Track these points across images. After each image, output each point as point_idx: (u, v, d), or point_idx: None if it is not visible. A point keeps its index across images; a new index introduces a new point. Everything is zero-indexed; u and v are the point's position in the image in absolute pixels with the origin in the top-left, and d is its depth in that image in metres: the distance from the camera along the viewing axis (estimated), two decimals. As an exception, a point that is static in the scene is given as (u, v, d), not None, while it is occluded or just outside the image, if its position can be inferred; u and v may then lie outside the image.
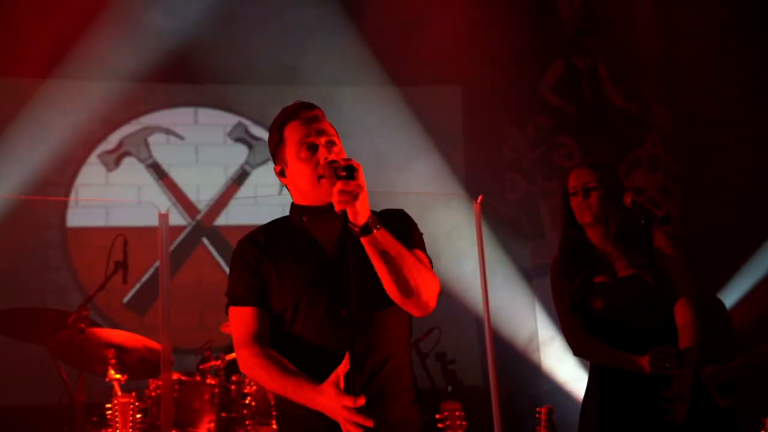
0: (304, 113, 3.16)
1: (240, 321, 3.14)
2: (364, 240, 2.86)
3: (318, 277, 3.07)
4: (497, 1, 8.98)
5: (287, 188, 3.25)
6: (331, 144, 3.11)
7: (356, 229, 2.83)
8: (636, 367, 4.07)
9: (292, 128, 3.15)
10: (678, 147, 9.07)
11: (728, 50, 8.50)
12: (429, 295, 2.99)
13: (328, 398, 2.83)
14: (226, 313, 3.21)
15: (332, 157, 3.04)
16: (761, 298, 7.88)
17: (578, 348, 4.31)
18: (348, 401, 2.77)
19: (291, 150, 3.14)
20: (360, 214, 2.82)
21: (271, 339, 3.10)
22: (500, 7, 8.95)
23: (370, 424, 2.77)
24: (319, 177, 3.04)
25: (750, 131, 8.31)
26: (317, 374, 2.93)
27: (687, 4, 8.68)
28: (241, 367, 3.11)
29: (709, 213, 8.36)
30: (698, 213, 8.54)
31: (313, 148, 3.09)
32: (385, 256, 2.89)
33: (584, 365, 7.53)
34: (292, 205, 3.24)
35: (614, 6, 9.21)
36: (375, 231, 2.85)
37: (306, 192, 3.15)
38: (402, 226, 3.14)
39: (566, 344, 4.43)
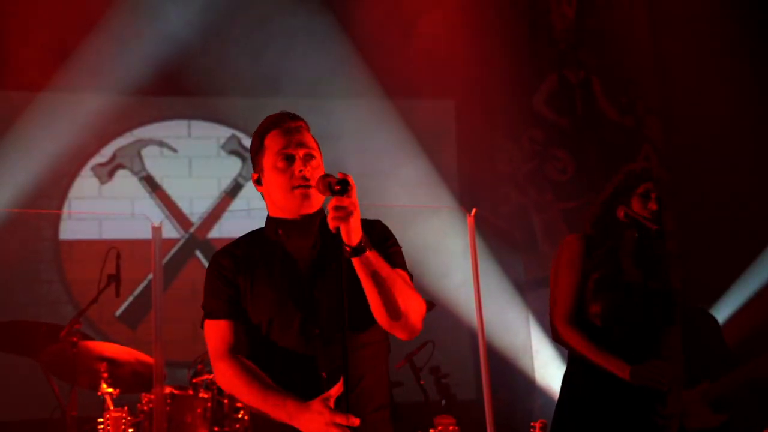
0: (287, 123, 3.14)
1: (216, 334, 3.11)
2: (355, 260, 2.83)
3: (291, 296, 3.04)
4: (491, 13, 8.98)
5: (263, 197, 3.23)
6: (309, 157, 3.09)
7: (348, 249, 2.79)
8: (616, 372, 4.05)
9: (273, 137, 3.13)
10: (671, 160, 9.07)
11: (723, 64, 8.50)
12: (416, 317, 2.98)
13: (313, 415, 2.80)
14: (202, 327, 3.17)
15: (308, 170, 3.04)
16: (754, 313, 7.86)
17: (561, 332, 4.26)
18: (341, 419, 2.75)
19: (269, 159, 3.11)
20: (353, 233, 2.78)
21: (249, 351, 3.08)
22: (494, 20, 8.95)
23: None
24: (293, 188, 3.03)
25: (744, 146, 8.31)
26: (290, 391, 2.93)
27: (682, 18, 8.69)
28: (218, 380, 3.09)
29: (702, 227, 8.35)
30: (691, 227, 8.53)
31: (289, 159, 3.07)
32: (376, 278, 2.86)
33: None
34: (268, 217, 3.22)
35: (608, 20, 9.25)
36: (368, 252, 2.82)
37: (279, 202, 3.12)
38: (380, 240, 3.10)
39: (550, 325, 4.39)
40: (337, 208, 2.75)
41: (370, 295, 2.89)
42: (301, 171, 3.03)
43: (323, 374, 2.95)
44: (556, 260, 4.37)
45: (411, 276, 3.13)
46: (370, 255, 2.83)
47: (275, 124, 3.15)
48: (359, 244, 2.80)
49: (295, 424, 2.86)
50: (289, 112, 3.19)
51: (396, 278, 2.90)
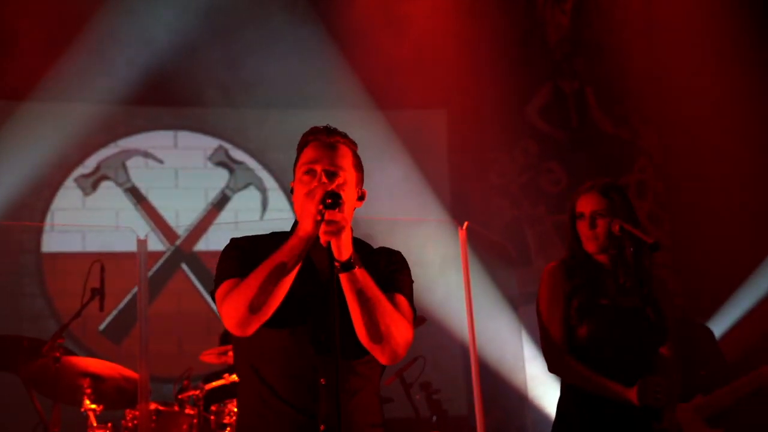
0: (323, 137, 3.09)
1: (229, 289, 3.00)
2: (343, 276, 2.85)
3: (308, 300, 2.99)
4: (484, 23, 8.98)
5: (293, 207, 3.17)
6: (331, 174, 3.02)
7: (337, 264, 2.82)
8: (620, 397, 3.99)
9: (308, 149, 3.10)
10: (667, 173, 9.04)
11: (720, 74, 8.47)
12: (397, 344, 2.95)
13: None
14: (213, 298, 3.05)
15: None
16: (752, 326, 7.82)
17: (556, 364, 4.17)
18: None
19: (300, 169, 3.09)
20: (344, 248, 2.82)
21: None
22: (487, 29, 8.94)
23: None
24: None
25: (742, 158, 8.27)
26: (287, 393, 2.94)
27: (678, 28, 8.67)
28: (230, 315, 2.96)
29: (698, 240, 8.30)
30: (687, 240, 8.48)
31: (312, 174, 3.04)
32: (361, 296, 2.87)
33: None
34: (296, 222, 3.13)
35: (603, 30, 9.24)
36: (356, 269, 2.84)
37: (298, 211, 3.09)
38: (393, 268, 3.13)
39: (543, 358, 4.29)
40: (329, 222, 2.78)
41: (353, 312, 2.89)
42: (316, 186, 2.94)
43: (322, 380, 2.93)
44: (539, 292, 4.28)
45: (415, 312, 3.12)
46: (358, 273, 2.86)
47: (314, 135, 3.11)
48: (348, 260, 2.83)
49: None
50: (329, 127, 3.14)
51: (382, 300, 2.90)
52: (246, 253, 3.07)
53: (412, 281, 3.18)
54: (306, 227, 2.84)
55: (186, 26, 8.45)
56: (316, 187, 2.87)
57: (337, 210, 2.78)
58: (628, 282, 4.12)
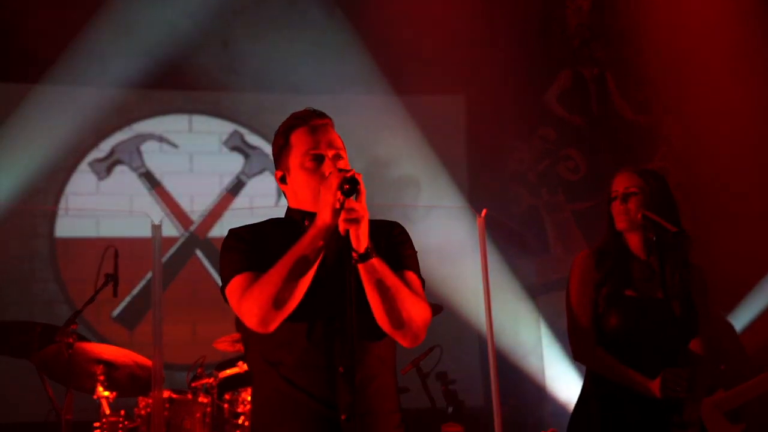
0: (314, 121, 3.10)
1: (244, 284, 2.94)
2: (360, 267, 2.84)
3: (320, 285, 2.93)
4: (503, 8, 8.94)
5: (285, 194, 3.20)
6: (337, 157, 3.06)
7: (355, 255, 2.81)
8: (643, 389, 3.94)
9: (299, 135, 3.09)
10: (689, 161, 8.96)
11: (744, 65, 8.39)
12: (419, 326, 2.95)
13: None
14: (224, 293, 3.00)
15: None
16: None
17: (582, 353, 4.16)
18: None
19: (296, 158, 3.08)
20: (362, 238, 2.81)
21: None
22: (506, 14, 8.92)
23: None
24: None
25: (766, 146, 8.18)
26: (304, 380, 2.91)
27: (699, 14, 8.58)
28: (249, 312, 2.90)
29: (720, 231, 8.20)
30: (708, 231, 8.39)
31: (318, 159, 3.05)
32: (380, 286, 2.86)
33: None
34: (290, 208, 3.17)
35: (623, 15, 9.17)
36: (374, 259, 2.83)
37: (305, 202, 3.09)
38: (395, 242, 3.12)
39: (569, 344, 4.27)
40: (350, 210, 2.76)
41: (373, 301, 2.89)
42: (331, 174, 2.92)
43: (340, 368, 2.90)
44: (569, 280, 4.28)
45: (423, 282, 3.12)
46: (376, 262, 2.84)
47: (302, 121, 3.11)
48: (366, 250, 2.82)
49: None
50: (315, 109, 3.15)
51: (401, 286, 2.90)
52: (251, 244, 3.02)
53: (416, 251, 3.16)
54: (325, 217, 2.80)
55: (203, 9, 8.43)
56: (330, 174, 2.83)
57: (354, 197, 2.76)
58: (657, 272, 4.06)
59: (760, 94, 8.19)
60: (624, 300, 4.07)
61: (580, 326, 4.13)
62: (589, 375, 4.21)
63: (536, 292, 8.72)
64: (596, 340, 4.09)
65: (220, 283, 3.03)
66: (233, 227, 3.11)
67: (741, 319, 7.77)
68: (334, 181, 2.78)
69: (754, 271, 8.06)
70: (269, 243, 3.01)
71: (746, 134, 8.25)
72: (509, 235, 8.56)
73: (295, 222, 3.10)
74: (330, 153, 3.04)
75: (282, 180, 3.14)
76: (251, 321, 2.88)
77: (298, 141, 3.08)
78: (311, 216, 2.98)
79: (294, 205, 3.15)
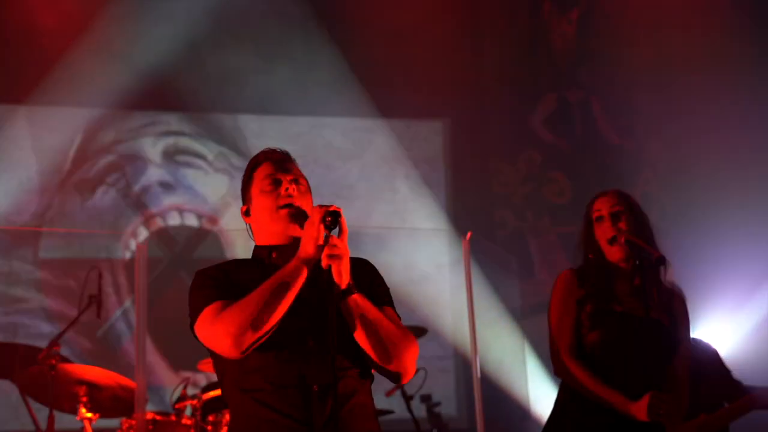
0: (275, 155, 3.23)
1: (214, 313, 2.94)
2: (343, 303, 2.88)
3: (289, 311, 2.92)
4: (488, 30, 8.97)
5: (250, 230, 3.24)
6: (295, 182, 3.15)
7: (337, 291, 2.86)
8: (622, 409, 3.96)
9: (262, 169, 3.20)
10: (672, 186, 9.00)
11: (727, 86, 8.45)
12: (409, 361, 2.98)
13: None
14: (193, 328, 3.00)
15: (293, 189, 3.10)
16: (758, 342, 7.78)
17: (563, 368, 4.15)
18: None
19: (256, 186, 3.17)
20: (344, 275, 2.86)
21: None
22: (491, 37, 8.92)
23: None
24: (278, 207, 3.08)
25: (749, 170, 8.25)
26: (281, 400, 2.89)
27: (684, 36, 8.66)
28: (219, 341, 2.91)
29: (703, 254, 8.24)
30: (692, 254, 8.44)
31: (276, 183, 3.13)
32: (364, 320, 2.90)
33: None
34: (256, 246, 3.21)
35: (609, 40, 9.23)
36: (355, 294, 2.88)
37: (266, 226, 3.14)
38: (368, 279, 3.14)
39: (551, 361, 4.28)
40: (332, 246, 2.83)
41: (360, 338, 2.92)
42: (287, 190, 3.10)
43: (315, 387, 2.89)
44: (552, 297, 4.31)
45: (400, 318, 3.14)
46: (358, 298, 2.89)
47: (264, 157, 3.24)
48: (348, 286, 2.88)
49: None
50: (277, 148, 3.28)
51: (383, 320, 2.95)
52: (220, 281, 3.03)
53: (388, 288, 3.19)
54: (308, 250, 2.86)
55: (189, 31, 8.43)
56: (313, 210, 2.90)
57: (336, 234, 2.84)
58: (640, 291, 4.07)
59: (747, 116, 8.28)
60: (608, 316, 4.09)
61: (560, 342, 4.13)
62: (564, 386, 4.22)
63: (521, 315, 8.72)
64: (578, 356, 4.10)
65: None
66: (201, 270, 3.12)
67: (726, 339, 7.78)
68: (316, 216, 2.85)
69: (739, 294, 8.08)
70: (239, 279, 3.02)
71: (732, 156, 8.32)
72: (494, 258, 8.55)
73: (261, 260, 3.14)
74: (288, 177, 3.13)
75: (246, 213, 3.22)
76: (225, 342, 2.86)
77: (260, 173, 3.17)
78: (278, 249, 3.08)
79: (259, 242, 3.19)
